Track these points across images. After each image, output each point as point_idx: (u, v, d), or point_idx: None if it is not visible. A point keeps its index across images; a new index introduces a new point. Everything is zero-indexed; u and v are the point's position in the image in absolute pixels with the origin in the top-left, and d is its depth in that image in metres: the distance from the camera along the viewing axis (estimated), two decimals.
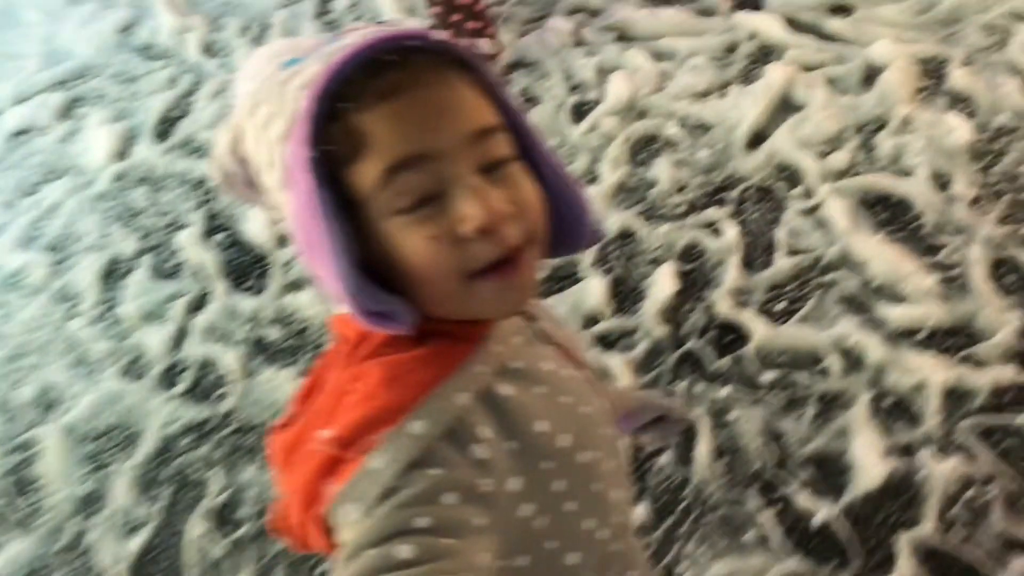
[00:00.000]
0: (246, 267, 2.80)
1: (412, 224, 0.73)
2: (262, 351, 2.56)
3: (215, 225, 2.96)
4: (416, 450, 0.71)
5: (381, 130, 0.72)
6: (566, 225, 0.85)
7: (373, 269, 0.75)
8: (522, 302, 0.81)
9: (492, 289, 0.75)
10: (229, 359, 2.54)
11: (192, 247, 2.89)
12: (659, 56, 3.16)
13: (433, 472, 0.70)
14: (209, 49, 3.67)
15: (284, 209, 0.80)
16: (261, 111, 0.77)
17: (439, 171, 0.73)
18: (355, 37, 0.75)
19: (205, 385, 2.51)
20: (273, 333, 2.59)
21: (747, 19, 3.21)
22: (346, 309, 0.75)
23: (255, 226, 2.89)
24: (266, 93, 0.78)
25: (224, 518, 2.22)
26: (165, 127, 3.37)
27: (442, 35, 0.77)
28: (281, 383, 2.45)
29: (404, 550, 0.65)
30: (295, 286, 2.69)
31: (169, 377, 2.55)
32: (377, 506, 0.69)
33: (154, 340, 2.63)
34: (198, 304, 2.72)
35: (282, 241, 2.83)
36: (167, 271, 2.85)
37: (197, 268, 2.82)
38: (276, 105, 0.76)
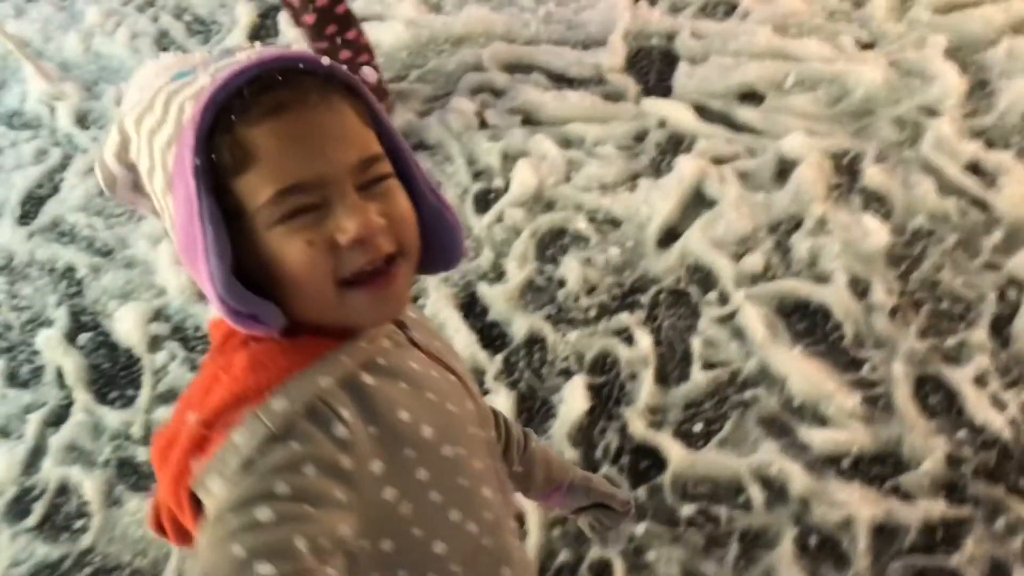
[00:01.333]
0: (114, 374, 2.52)
1: (292, 232, 0.77)
2: (128, 475, 2.29)
3: (81, 323, 2.68)
4: (276, 425, 0.73)
5: (268, 149, 0.76)
6: (438, 243, 0.90)
7: (249, 274, 0.79)
8: (393, 312, 0.85)
9: (364, 299, 0.80)
10: (90, 485, 2.26)
11: (53, 349, 2.61)
12: (566, 143, 3.02)
13: (293, 445, 0.73)
14: (83, 120, 3.40)
15: (167, 213, 0.83)
16: (148, 119, 0.81)
17: (324, 192, 0.77)
18: (245, 55, 0.80)
19: (61, 516, 2.23)
20: (142, 454, 2.32)
21: (656, 105, 3.10)
22: (217, 310, 0.78)
23: (125, 325, 2.62)
24: (155, 103, 0.81)
25: None
26: (29, 207, 3.09)
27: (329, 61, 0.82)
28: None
29: (263, 513, 0.68)
30: (168, 397, 2.43)
31: (19, 506, 2.27)
32: (239, 476, 0.71)
33: (3, 462, 2.34)
34: (57, 418, 2.43)
35: (155, 343, 2.57)
36: (23, 378, 2.57)
37: (58, 374, 2.53)
38: (164, 114, 0.79)
